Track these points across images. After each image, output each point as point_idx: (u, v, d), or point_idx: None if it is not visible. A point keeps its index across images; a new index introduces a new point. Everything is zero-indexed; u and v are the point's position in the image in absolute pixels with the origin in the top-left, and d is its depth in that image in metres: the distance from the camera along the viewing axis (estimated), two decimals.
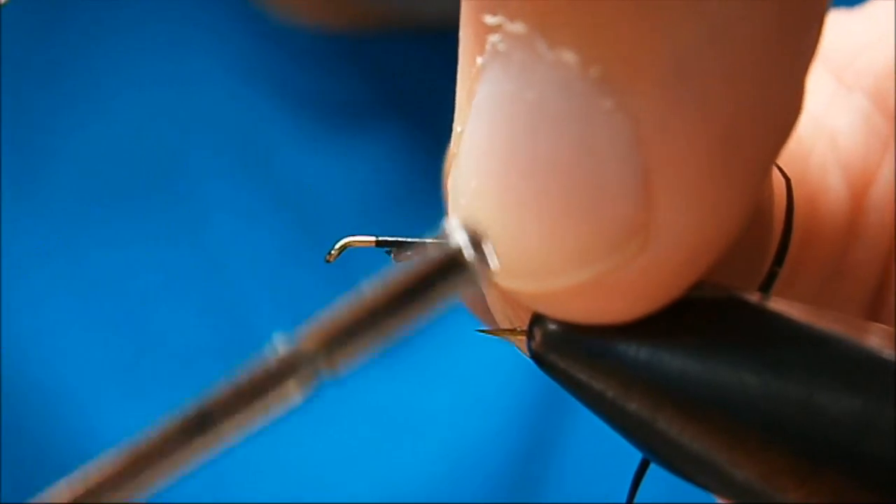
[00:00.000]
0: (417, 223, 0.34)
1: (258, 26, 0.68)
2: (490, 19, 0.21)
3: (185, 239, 0.66)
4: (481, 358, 0.62)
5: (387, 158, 0.66)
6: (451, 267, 0.19)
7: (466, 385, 0.62)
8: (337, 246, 0.27)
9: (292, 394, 0.19)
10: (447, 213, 0.23)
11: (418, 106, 0.67)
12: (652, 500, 0.56)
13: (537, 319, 0.24)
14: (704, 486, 0.24)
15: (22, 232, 0.65)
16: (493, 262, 0.21)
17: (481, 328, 0.27)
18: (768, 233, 0.27)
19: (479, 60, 0.22)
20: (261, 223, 0.66)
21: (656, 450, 0.23)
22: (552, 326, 0.24)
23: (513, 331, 0.26)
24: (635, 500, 0.27)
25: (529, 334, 0.24)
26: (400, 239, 0.27)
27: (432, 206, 0.64)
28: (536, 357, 0.24)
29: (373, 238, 0.27)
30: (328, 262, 0.27)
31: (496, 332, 0.26)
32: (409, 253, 0.27)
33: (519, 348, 0.26)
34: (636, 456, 0.25)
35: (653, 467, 0.25)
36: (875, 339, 0.23)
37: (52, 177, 0.67)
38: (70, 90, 0.68)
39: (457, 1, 0.22)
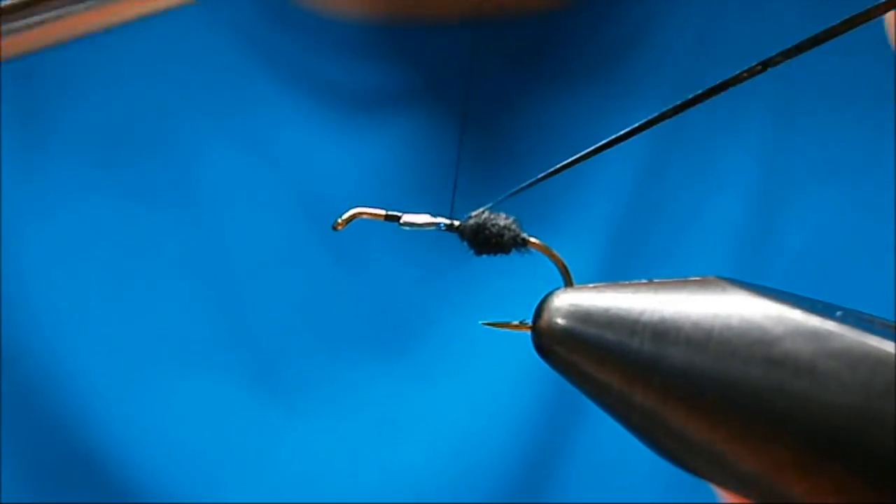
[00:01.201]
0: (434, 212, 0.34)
1: (283, 13, 0.68)
2: None
3: (193, 234, 0.65)
4: (487, 358, 0.62)
5: (408, 147, 0.66)
6: None
7: (472, 386, 0.62)
8: (346, 215, 0.27)
9: None
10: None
11: (441, 97, 0.67)
12: (653, 500, 0.56)
13: (543, 312, 0.24)
14: (709, 479, 0.24)
15: (24, 223, 0.65)
16: None
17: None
18: None
19: None
20: (274, 211, 0.66)
21: (661, 442, 0.24)
22: (558, 320, 0.24)
23: (518, 324, 0.26)
24: (640, 502, 0.27)
25: (535, 327, 0.24)
26: (409, 214, 0.27)
27: (450, 195, 0.64)
28: (542, 349, 0.24)
29: (382, 211, 0.26)
30: (335, 229, 0.27)
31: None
32: (416, 224, 0.26)
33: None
34: (641, 459, 0.25)
35: (655, 469, 0.25)
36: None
37: (55, 156, 0.66)
38: (80, 75, 0.68)
39: None
